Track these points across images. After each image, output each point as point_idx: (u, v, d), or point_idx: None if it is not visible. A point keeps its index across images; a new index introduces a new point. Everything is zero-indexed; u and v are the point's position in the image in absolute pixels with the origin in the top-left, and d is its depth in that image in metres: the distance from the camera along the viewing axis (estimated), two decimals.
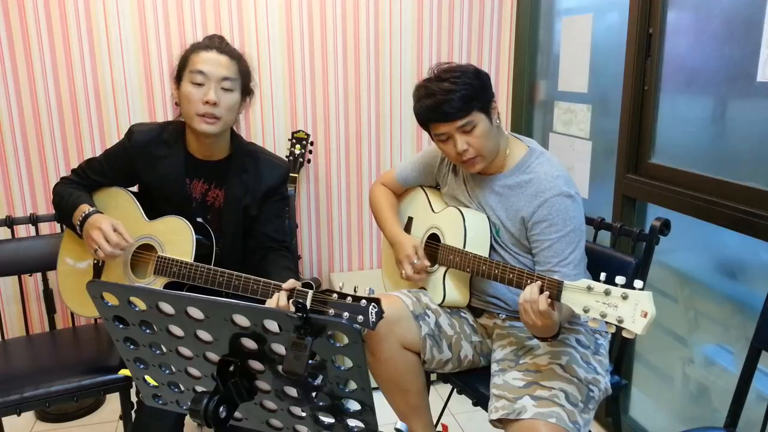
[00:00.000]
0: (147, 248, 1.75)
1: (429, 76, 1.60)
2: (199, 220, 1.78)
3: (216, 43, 1.71)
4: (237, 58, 1.72)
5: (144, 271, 1.75)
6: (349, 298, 1.45)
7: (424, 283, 1.83)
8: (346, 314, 1.45)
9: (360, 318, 1.44)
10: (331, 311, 1.47)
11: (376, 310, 1.43)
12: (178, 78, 1.71)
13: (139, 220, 1.78)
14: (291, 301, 1.55)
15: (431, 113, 1.57)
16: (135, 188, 1.87)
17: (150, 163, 1.77)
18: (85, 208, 1.73)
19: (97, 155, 1.85)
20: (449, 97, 1.52)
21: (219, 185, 1.79)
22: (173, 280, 1.70)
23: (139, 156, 1.77)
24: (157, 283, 1.72)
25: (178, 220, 1.73)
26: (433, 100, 1.55)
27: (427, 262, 1.78)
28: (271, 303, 1.55)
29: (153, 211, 1.78)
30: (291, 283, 1.56)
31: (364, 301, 1.44)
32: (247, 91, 1.75)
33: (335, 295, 1.47)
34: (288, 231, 1.90)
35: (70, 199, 1.77)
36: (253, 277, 1.61)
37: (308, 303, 1.51)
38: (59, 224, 2.14)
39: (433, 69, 1.61)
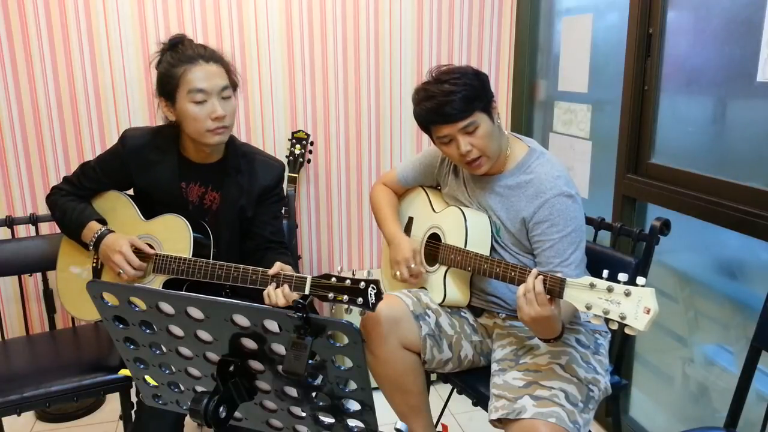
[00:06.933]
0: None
1: (428, 79, 1.60)
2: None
3: (198, 51, 1.66)
4: (221, 59, 1.69)
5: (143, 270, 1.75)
6: (348, 281, 1.46)
7: (424, 283, 1.83)
8: (345, 297, 1.46)
9: (359, 300, 1.44)
10: (331, 295, 1.47)
11: (375, 291, 1.44)
12: (170, 97, 1.67)
13: (137, 221, 1.78)
14: (283, 287, 1.54)
15: (433, 115, 1.56)
16: (131, 191, 1.87)
17: (144, 168, 1.77)
18: (95, 226, 1.74)
19: (91, 160, 1.85)
20: (450, 99, 1.52)
21: (215, 188, 1.78)
22: (172, 276, 1.70)
23: (133, 161, 1.77)
24: (157, 281, 1.72)
25: (174, 218, 1.73)
26: (433, 103, 1.54)
27: (422, 268, 1.78)
28: (269, 295, 1.55)
29: (151, 214, 1.78)
30: (277, 266, 1.57)
31: (363, 283, 1.44)
32: (235, 87, 1.73)
33: (334, 279, 1.47)
34: (285, 231, 1.89)
35: (74, 214, 1.78)
36: (251, 267, 1.61)
37: (307, 289, 1.52)
38: None
39: (431, 72, 1.60)
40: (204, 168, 1.78)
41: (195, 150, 1.76)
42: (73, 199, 1.81)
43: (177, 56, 1.66)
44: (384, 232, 1.91)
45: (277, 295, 1.53)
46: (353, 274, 1.47)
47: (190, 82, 1.63)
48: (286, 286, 1.54)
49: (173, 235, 1.72)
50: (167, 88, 1.66)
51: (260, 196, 1.80)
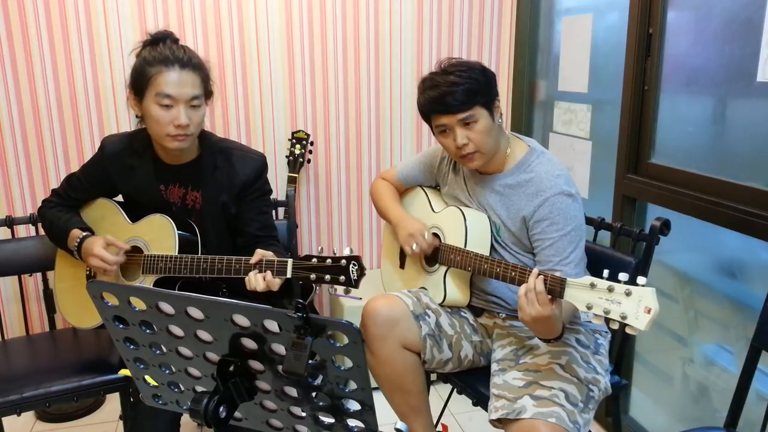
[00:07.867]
0: (135, 250, 1.76)
1: (436, 69, 1.61)
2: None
3: (176, 54, 1.61)
4: (199, 67, 1.65)
5: (134, 272, 1.76)
6: (329, 260, 1.46)
7: (425, 283, 1.83)
8: (327, 276, 1.46)
9: (342, 278, 1.45)
10: (313, 276, 1.47)
11: (356, 267, 1.45)
12: (139, 93, 1.63)
13: (124, 225, 1.79)
14: (266, 272, 1.55)
15: (434, 104, 1.58)
16: (120, 197, 1.87)
17: (124, 173, 1.77)
18: (76, 233, 1.75)
19: (76, 171, 1.86)
20: (453, 90, 1.54)
21: (195, 187, 1.77)
22: (161, 275, 1.71)
23: (114, 167, 1.77)
24: (147, 282, 1.73)
25: (159, 217, 1.73)
26: (437, 92, 1.56)
27: (436, 241, 1.77)
28: (249, 280, 1.56)
29: (139, 218, 1.78)
30: (258, 254, 1.57)
31: (343, 260, 1.44)
32: (209, 95, 1.70)
33: (314, 260, 1.48)
34: (274, 225, 1.88)
35: (59, 223, 1.79)
36: (235, 257, 1.62)
37: (289, 272, 1.52)
38: None
39: (441, 62, 1.62)
40: (180, 168, 1.76)
41: (164, 151, 1.74)
42: (61, 210, 1.82)
43: (155, 54, 1.62)
44: (389, 217, 1.89)
45: (257, 280, 1.54)
46: (334, 252, 1.48)
47: (160, 85, 1.59)
48: (269, 273, 1.54)
49: (159, 234, 1.72)
50: (138, 83, 1.64)
51: (241, 191, 1.77)
